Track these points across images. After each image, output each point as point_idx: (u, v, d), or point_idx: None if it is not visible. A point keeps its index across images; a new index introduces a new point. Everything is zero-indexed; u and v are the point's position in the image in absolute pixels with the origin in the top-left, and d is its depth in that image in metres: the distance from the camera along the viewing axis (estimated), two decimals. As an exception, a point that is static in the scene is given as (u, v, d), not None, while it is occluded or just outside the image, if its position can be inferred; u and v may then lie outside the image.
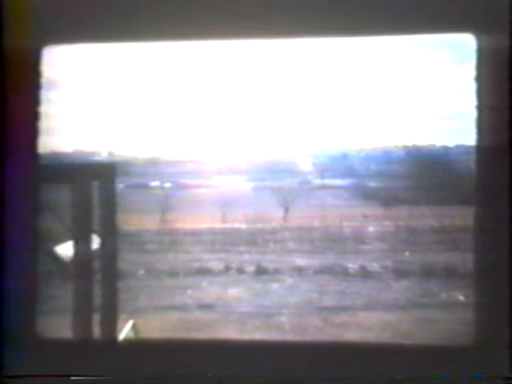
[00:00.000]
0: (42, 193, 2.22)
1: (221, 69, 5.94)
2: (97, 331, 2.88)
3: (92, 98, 5.97)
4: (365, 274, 6.28)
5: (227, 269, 6.54)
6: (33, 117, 2.15)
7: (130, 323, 4.17)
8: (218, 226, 7.64)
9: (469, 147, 2.21)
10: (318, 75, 6.27)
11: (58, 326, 2.56)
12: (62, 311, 2.71)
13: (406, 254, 6.48)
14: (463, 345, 2.16)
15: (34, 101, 2.15)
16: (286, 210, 7.64)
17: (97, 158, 6.41)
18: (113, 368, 2.17)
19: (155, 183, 8.00)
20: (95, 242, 3.01)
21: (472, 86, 2.07)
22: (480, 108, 2.06)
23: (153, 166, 7.79)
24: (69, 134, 5.80)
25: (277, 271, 6.37)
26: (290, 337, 5.02)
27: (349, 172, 7.75)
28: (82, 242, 2.85)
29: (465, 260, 5.30)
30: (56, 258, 3.29)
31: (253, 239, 7.24)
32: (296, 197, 7.55)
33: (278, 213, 7.61)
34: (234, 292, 6.06)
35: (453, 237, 6.44)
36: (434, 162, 7.53)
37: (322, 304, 5.65)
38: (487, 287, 2.07)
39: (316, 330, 5.15)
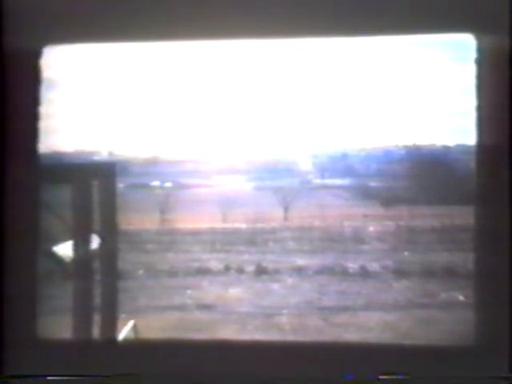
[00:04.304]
0: (42, 193, 2.22)
1: (221, 69, 5.94)
2: (97, 331, 2.88)
3: (92, 98, 5.97)
4: (365, 273, 6.28)
5: (227, 269, 6.54)
6: (33, 117, 2.15)
7: (130, 323, 4.17)
8: (218, 225, 7.64)
9: (469, 147, 2.21)
10: (318, 75, 6.27)
11: (58, 325, 2.56)
12: (62, 311, 2.71)
13: (406, 253, 6.48)
14: (463, 345, 2.16)
15: (34, 101, 2.15)
16: (286, 209, 7.64)
17: (97, 158, 6.40)
18: (113, 368, 2.17)
19: (155, 183, 8.00)
20: (95, 242, 3.01)
21: (472, 86, 2.07)
22: (480, 107, 2.06)
23: (153, 166, 7.79)
24: (69, 134, 5.80)
25: (277, 271, 6.37)
26: (290, 337, 5.03)
27: (349, 172, 7.75)
28: (81, 241, 2.85)
29: (465, 260, 5.30)
30: (56, 258, 3.29)
31: (253, 239, 7.24)
32: (296, 197, 7.55)
33: (278, 213, 7.62)
34: (233, 292, 6.06)
35: (453, 237, 6.44)
36: (434, 162, 7.53)
37: (322, 304, 5.66)
38: (487, 287, 2.07)
39: (316, 330, 5.15)
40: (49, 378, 2.13)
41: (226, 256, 6.81)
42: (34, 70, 2.15)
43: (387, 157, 7.25)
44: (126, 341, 3.51)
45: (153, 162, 7.68)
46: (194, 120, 6.54)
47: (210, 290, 6.09)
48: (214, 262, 6.60)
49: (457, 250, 6.11)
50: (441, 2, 2.07)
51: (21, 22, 2.13)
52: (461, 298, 5.37)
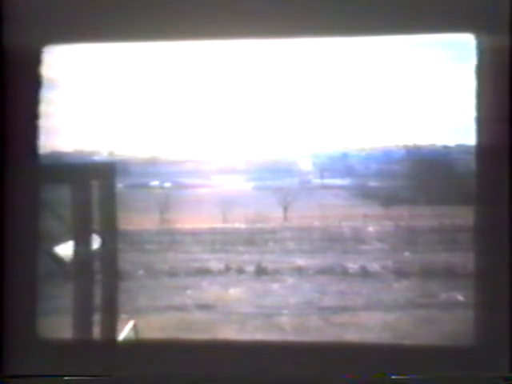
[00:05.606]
0: (42, 193, 2.22)
1: (221, 69, 5.94)
2: (97, 331, 2.88)
3: (92, 98, 5.97)
4: (365, 274, 6.28)
5: (227, 269, 6.53)
6: (33, 117, 2.15)
7: (130, 323, 4.17)
8: (218, 225, 7.64)
9: (469, 147, 2.21)
10: (318, 75, 6.27)
11: (58, 325, 2.56)
12: (62, 311, 2.71)
13: (406, 253, 6.48)
14: (463, 345, 2.16)
15: (34, 100, 2.15)
16: (286, 209, 7.64)
17: (97, 158, 6.40)
18: (113, 368, 2.17)
19: (155, 183, 7.99)
20: (95, 242, 3.01)
21: (472, 86, 2.07)
22: (480, 107, 2.06)
23: (153, 166, 7.78)
24: (69, 134, 5.80)
25: (277, 271, 6.36)
26: (290, 337, 5.02)
27: (349, 172, 7.74)
28: (82, 241, 2.86)
29: (465, 260, 5.30)
30: (56, 258, 3.29)
31: (253, 239, 7.23)
32: (296, 197, 7.55)
33: (278, 213, 7.61)
34: (233, 292, 6.06)
35: (453, 236, 6.44)
36: (434, 162, 7.53)
37: (322, 304, 5.65)
38: (487, 287, 2.07)
39: (316, 330, 5.14)
40: (49, 377, 2.13)
41: (226, 256, 6.81)
42: (34, 70, 2.15)
43: (387, 157, 7.24)
44: (126, 341, 3.51)
45: (153, 162, 7.68)
46: (193, 120, 6.54)
47: (209, 290, 6.09)
48: (214, 262, 6.60)
49: (457, 250, 6.10)
50: (441, 2, 2.07)
51: (21, 22, 2.13)
52: (461, 298, 5.37)
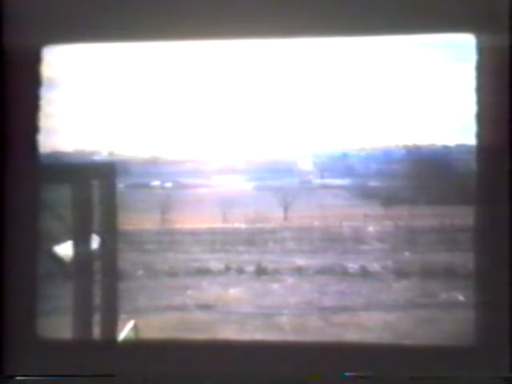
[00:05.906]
0: (42, 193, 2.22)
1: (221, 69, 5.94)
2: (97, 331, 2.89)
3: (92, 98, 5.97)
4: (365, 274, 6.28)
5: (227, 269, 6.53)
6: (33, 117, 2.15)
7: (130, 323, 4.17)
8: (218, 225, 7.63)
9: (469, 147, 2.21)
10: (318, 75, 6.27)
11: (58, 325, 2.56)
12: (62, 311, 2.71)
13: (406, 253, 6.48)
14: (463, 345, 2.16)
15: (34, 100, 2.15)
16: (286, 209, 7.64)
17: (97, 158, 6.40)
18: (113, 368, 2.17)
19: (155, 183, 7.99)
20: (95, 242, 3.01)
21: (472, 86, 2.07)
22: (480, 107, 2.06)
23: (153, 166, 7.78)
24: (69, 134, 5.80)
25: (277, 271, 6.36)
26: (290, 337, 5.02)
27: (349, 172, 7.74)
28: (81, 242, 2.86)
29: (465, 260, 5.30)
30: (56, 258, 3.29)
31: (253, 239, 7.23)
32: (296, 197, 7.55)
33: (278, 213, 7.61)
34: (233, 292, 6.06)
35: (453, 236, 6.44)
36: (434, 162, 7.53)
37: (322, 304, 5.65)
38: (487, 287, 2.07)
39: (316, 330, 5.14)
40: (49, 377, 2.13)
41: (226, 256, 6.81)
42: (34, 70, 2.15)
43: (387, 157, 7.24)
44: (126, 341, 3.51)
45: (153, 162, 7.67)
46: (193, 120, 6.54)
47: (210, 290, 6.09)
48: (214, 262, 6.60)
49: (457, 249, 6.10)
50: (441, 1, 2.07)
51: (21, 22, 2.13)
52: (461, 298, 5.37)
